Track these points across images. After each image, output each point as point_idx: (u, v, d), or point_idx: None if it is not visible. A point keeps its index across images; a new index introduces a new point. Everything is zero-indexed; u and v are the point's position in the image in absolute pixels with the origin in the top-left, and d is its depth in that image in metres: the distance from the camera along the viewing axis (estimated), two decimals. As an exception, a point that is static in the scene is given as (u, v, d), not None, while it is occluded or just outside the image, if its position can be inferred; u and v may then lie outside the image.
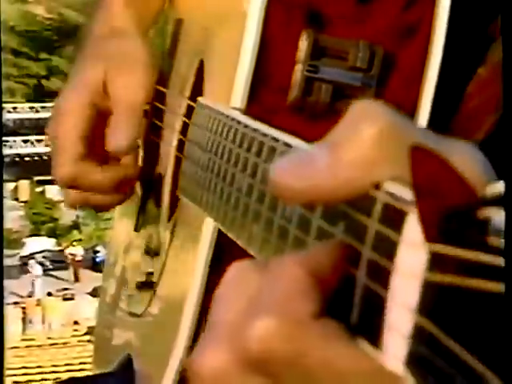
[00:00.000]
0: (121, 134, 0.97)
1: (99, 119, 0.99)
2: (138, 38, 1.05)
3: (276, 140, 0.58)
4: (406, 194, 0.36)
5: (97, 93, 0.99)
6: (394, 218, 0.37)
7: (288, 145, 0.55)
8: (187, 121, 0.95)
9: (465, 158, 0.36)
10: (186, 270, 0.86)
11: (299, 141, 0.54)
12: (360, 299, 0.39)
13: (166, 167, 1.02)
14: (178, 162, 0.98)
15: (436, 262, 0.33)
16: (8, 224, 22.06)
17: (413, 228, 0.35)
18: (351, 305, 0.40)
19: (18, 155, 25.37)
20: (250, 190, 0.63)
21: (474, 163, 0.36)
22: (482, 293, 0.30)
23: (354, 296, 0.40)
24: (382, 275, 0.37)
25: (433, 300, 0.33)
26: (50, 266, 22.63)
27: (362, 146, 0.39)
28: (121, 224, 1.32)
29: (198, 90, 0.95)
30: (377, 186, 0.39)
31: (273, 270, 0.41)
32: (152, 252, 1.05)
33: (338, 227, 0.43)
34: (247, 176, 0.64)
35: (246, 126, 0.68)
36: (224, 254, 0.81)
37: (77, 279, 21.95)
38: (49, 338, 18.95)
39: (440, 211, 0.33)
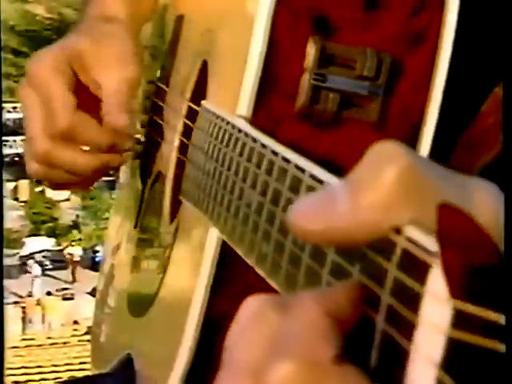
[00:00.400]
0: (116, 113, 0.95)
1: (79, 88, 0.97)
2: (129, 30, 1.04)
3: (287, 161, 0.58)
4: (428, 242, 0.36)
5: (74, 57, 0.97)
6: (415, 267, 0.37)
7: (299, 168, 0.55)
8: (189, 124, 0.94)
9: (488, 204, 0.36)
10: (191, 272, 0.85)
11: (310, 163, 0.54)
12: (378, 344, 0.39)
13: (167, 167, 1.02)
14: (179, 163, 0.97)
15: (461, 320, 0.33)
16: (8, 224, 22.07)
17: (437, 281, 0.35)
18: (369, 348, 0.39)
19: (18, 155, 25.35)
20: (259, 208, 0.62)
21: (498, 210, 0.36)
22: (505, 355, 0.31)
23: (372, 340, 0.39)
24: (403, 325, 0.37)
25: (456, 357, 0.33)
26: (50, 266, 22.64)
27: (382, 189, 0.39)
28: (115, 221, 1.32)
29: (200, 91, 0.95)
30: (397, 231, 0.39)
31: (292, 310, 0.41)
32: (151, 250, 1.05)
33: (354, 266, 0.43)
34: (257, 193, 0.63)
35: (254, 141, 0.67)
36: (230, 255, 0.80)
37: (74, 279, 21.95)
38: (48, 338, 18.96)
39: (466, 268, 0.33)
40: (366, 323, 0.40)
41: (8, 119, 24.15)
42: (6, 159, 23.89)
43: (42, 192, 25.84)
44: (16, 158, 25.23)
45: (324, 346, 0.39)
